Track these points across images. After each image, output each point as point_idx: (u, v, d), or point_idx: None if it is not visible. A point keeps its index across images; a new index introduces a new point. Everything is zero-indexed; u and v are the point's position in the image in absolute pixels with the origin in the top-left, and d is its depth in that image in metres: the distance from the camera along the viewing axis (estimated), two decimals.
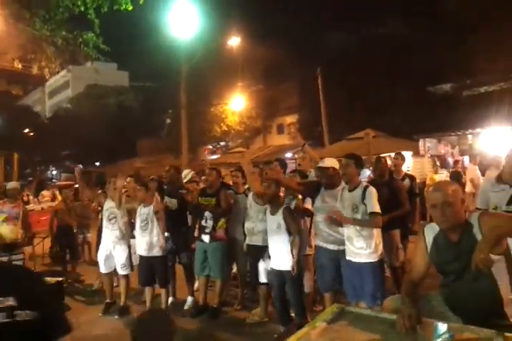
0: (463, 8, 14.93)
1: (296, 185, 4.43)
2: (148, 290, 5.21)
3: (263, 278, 4.70)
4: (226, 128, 26.35)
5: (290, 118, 25.54)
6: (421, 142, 11.80)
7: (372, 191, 3.84)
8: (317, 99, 19.22)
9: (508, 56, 13.53)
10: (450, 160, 12.46)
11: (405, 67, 16.72)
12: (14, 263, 6.03)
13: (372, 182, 5.17)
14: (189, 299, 5.52)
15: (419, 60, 16.32)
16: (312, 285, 4.65)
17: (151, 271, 5.12)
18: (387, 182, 5.10)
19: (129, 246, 5.54)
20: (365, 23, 18.25)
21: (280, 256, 4.34)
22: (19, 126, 37.63)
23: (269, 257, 4.49)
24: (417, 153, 12.20)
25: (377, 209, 3.80)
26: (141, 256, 5.22)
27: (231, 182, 5.61)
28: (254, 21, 20.08)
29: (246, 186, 5.44)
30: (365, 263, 3.81)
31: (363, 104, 17.65)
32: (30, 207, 9.06)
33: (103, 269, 5.55)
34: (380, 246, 3.86)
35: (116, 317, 5.25)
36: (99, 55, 13.43)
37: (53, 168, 50.44)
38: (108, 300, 5.55)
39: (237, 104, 22.89)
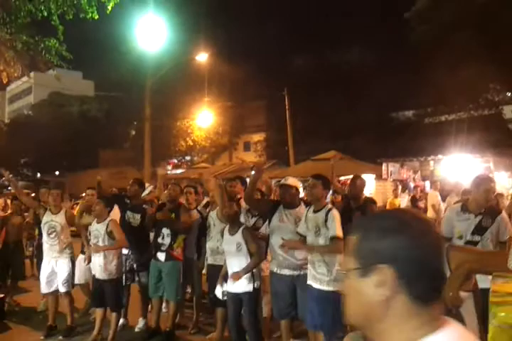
0: (428, 38, 15.47)
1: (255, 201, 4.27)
2: (98, 312, 4.84)
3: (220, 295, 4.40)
4: (191, 143, 26.07)
5: (257, 137, 25.59)
6: (384, 166, 11.93)
7: (335, 214, 3.71)
8: (284, 119, 19.36)
9: (467, 87, 14.05)
10: (412, 185, 12.64)
11: (370, 93, 17.09)
12: None
13: (345, 205, 5.01)
14: (141, 321, 5.19)
15: (383, 86, 16.73)
16: (270, 308, 4.46)
17: (103, 293, 4.75)
18: (361, 207, 4.93)
19: (73, 261, 5.18)
20: (332, 48, 18.67)
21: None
22: None
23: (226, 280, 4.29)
24: (379, 177, 12.33)
25: (339, 233, 3.65)
26: (94, 277, 4.84)
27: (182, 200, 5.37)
28: (223, 39, 20.14)
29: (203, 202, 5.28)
30: (326, 291, 3.63)
31: (329, 126, 17.87)
32: None
33: (45, 289, 5.12)
34: None
35: (60, 338, 4.87)
36: (61, 62, 13.10)
37: (10, 175, 48.40)
38: (50, 323, 5.11)
39: (203, 119, 22.71)
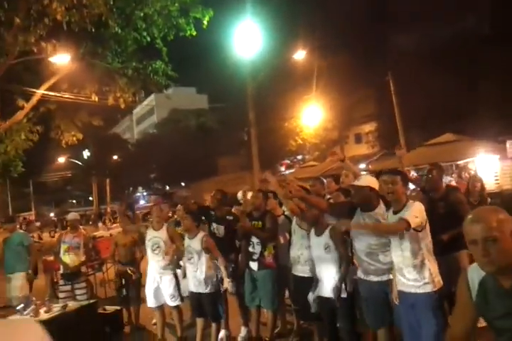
0: None
1: (324, 205, 3.87)
2: (199, 322, 4.95)
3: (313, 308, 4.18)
4: (301, 142, 25.98)
5: (368, 127, 24.66)
6: (508, 144, 10.56)
7: (416, 204, 3.25)
8: (393, 106, 18.30)
9: None
10: None
11: (489, 65, 15.31)
12: (76, 291, 6.16)
13: (426, 197, 4.52)
14: (243, 330, 5.18)
15: (507, 55, 14.83)
16: None
17: (201, 305, 4.84)
18: (444, 196, 4.38)
19: (176, 276, 5.32)
20: (439, 19, 17.01)
21: (330, 281, 3.92)
22: (109, 153, 40.28)
23: (316, 285, 4.08)
24: (504, 157, 10.94)
25: (410, 218, 3.13)
26: (191, 291, 4.95)
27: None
28: (319, 32, 19.65)
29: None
30: (420, 294, 3.21)
31: (444, 107, 16.43)
32: (98, 233, 9.30)
33: (152, 303, 5.36)
34: (436, 275, 3.25)
35: None
36: (169, 81, 14.00)
37: (143, 191, 53.28)
38: (159, 338, 5.33)
39: (310, 117, 22.45)
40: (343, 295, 3.87)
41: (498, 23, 15.98)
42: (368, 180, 3.66)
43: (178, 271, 5.27)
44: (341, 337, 3.96)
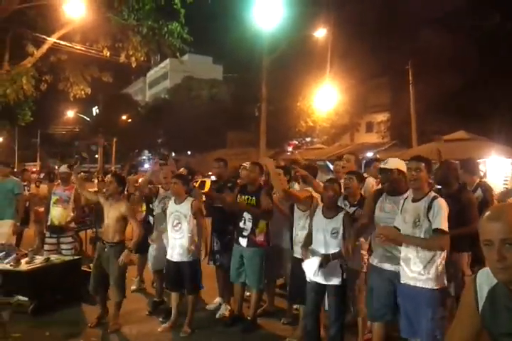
0: None
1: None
2: (174, 296, 4.68)
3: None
4: (312, 124, 25.56)
5: (380, 117, 24.21)
6: None
7: (442, 204, 3.10)
8: (409, 97, 17.87)
9: None
10: None
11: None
12: (62, 246, 6.02)
13: (437, 192, 4.31)
14: (223, 307, 5.01)
15: None
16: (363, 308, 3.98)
17: (180, 275, 4.56)
18: (456, 193, 4.14)
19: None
20: (465, 14, 16.35)
21: (330, 266, 3.70)
22: (118, 113, 39.98)
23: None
24: None
25: (445, 226, 3.05)
26: (168, 260, 4.63)
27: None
28: (341, 11, 19.01)
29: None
30: (423, 289, 3.09)
31: (461, 105, 15.96)
32: (93, 190, 9.05)
33: (153, 266, 5.28)
34: (443, 274, 3.12)
35: (160, 319, 4.82)
36: (183, 45, 13.58)
37: (149, 154, 53.18)
38: (155, 299, 5.27)
39: (323, 99, 21.97)
40: (336, 282, 3.70)
41: None
42: (396, 163, 3.47)
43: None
44: (324, 324, 3.83)
